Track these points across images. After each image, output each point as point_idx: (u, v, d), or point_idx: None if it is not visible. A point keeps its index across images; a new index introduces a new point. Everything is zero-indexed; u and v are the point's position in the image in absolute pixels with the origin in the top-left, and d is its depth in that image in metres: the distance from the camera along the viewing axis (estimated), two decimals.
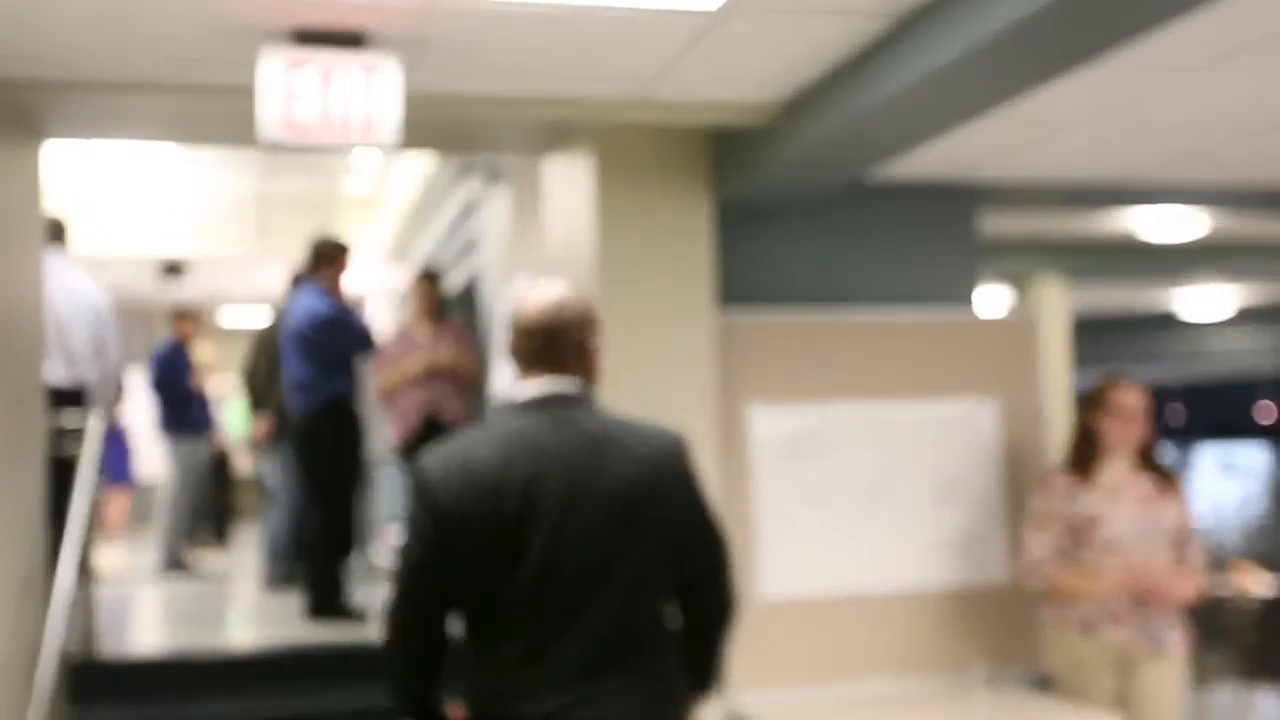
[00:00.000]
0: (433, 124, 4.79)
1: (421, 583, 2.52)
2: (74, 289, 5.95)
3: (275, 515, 7.90)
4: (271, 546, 7.92)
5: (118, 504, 14.59)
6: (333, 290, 6.46)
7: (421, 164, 10.62)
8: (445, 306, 7.40)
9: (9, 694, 4.32)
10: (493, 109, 4.35)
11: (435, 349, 7.02)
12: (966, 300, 5.29)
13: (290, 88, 3.41)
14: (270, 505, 8.15)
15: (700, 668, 2.71)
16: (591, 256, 4.67)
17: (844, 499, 4.89)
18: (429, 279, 7.42)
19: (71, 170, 11.88)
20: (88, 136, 5.29)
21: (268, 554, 7.96)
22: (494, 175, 7.85)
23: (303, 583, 6.49)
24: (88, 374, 5.90)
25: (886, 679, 4.80)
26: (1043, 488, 4.58)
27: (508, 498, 2.45)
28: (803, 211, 5.00)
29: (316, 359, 6.30)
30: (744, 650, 4.61)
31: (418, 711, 2.59)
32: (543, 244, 6.32)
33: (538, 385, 2.61)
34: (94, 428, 5.11)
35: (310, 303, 6.43)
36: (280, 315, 7.43)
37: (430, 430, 6.92)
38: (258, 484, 9.36)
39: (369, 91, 3.47)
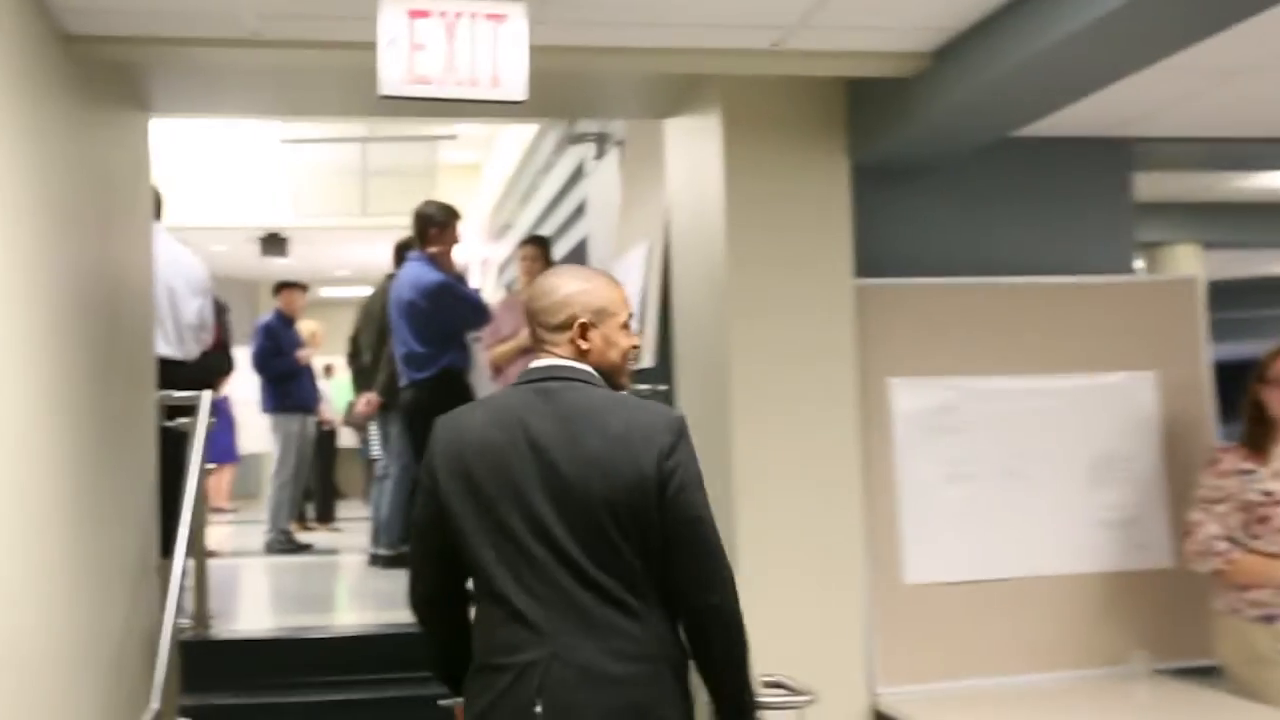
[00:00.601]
0: (554, 84, 4.54)
1: (426, 543, 2.68)
2: (175, 261, 5.81)
3: (383, 493, 7.74)
4: (379, 525, 7.77)
5: (221, 479, 14.66)
6: (442, 258, 6.23)
7: (527, 132, 10.44)
8: None
9: (127, 674, 4.18)
10: (618, 63, 4.08)
11: None
12: (1122, 268, 4.93)
13: (413, 37, 3.17)
14: (378, 482, 7.99)
15: (722, 700, 2.66)
16: (719, 223, 4.40)
17: (990, 477, 4.57)
18: (538, 243, 7.18)
19: (171, 141, 11.87)
20: (193, 112, 5.13)
21: (376, 532, 7.81)
22: (603, 141, 7.60)
23: None
24: (192, 347, 5.80)
25: (1038, 672, 4.47)
26: (1212, 465, 4.22)
27: (482, 465, 2.57)
28: (942, 171, 4.67)
29: (427, 330, 6.09)
30: (885, 640, 4.34)
31: (444, 677, 2.75)
32: (654, 212, 6.06)
33: (538, 362, 2.69)
34: (204, 403, 4.95)
35: (419, 272, 6.22)
36: (386, 287, 7.25)
37: None
38: (365, 461, 9.23)
39: (496, 42, 3.22)
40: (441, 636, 2.75)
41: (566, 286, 2.71)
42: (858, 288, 4.45)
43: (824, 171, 4.41)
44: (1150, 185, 6.40)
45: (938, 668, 4.40)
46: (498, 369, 6.96)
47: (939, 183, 4.72)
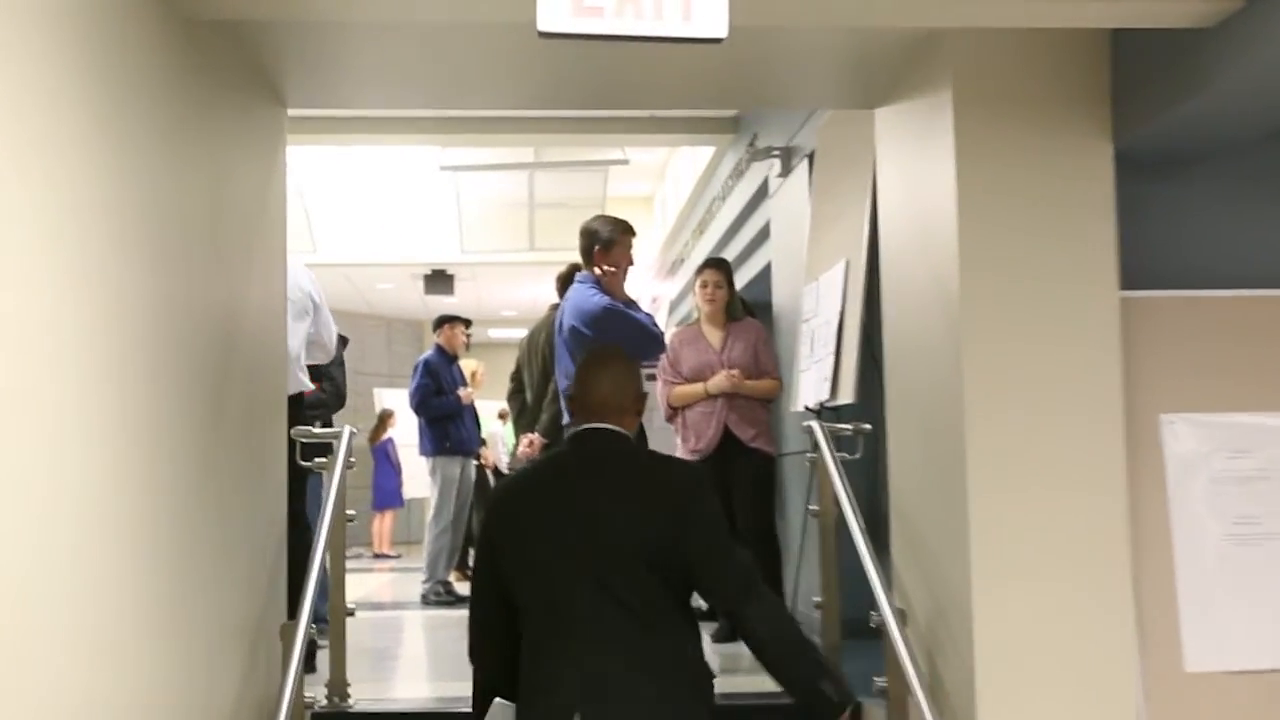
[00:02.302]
0: (747, 66, 3.84)
1: (482, 588, 3.09)
2: (293, 284, 5.26)
3: None
4: None
5: (384, 524, 14.27)
6: (611, 280, 5.43)
7: (702, 157, 9.78)
8: (736, 304, 6.39)
9: None
10: (826, 18, 3.33)
11: (729, 355, 6.07)
12: None
13: None
14: None
15: (797, 689, 3.01)
16: (949, 228, 3.60)
17: None
18: (720, 267, 6.43)
19: (331, 173, 11.54)
20: (333, 103, 4.54)
21: None
22: (789, 156, 6.86)
23: None
24: (300, 378, 5.20)
25: None
26: None
27: (534, 519, 3.00)
28: (1230, 158, 3.76)
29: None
30: None
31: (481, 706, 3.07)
32: (854, 225, 5.28)
33: (589, 425, 3.11)
34: (343, 441, 4.32)
35: (583, 296, 5.45)
36: (551, 318, 6.59)
37: (728, 448, 5.96)
38: None
39: None
40: (495, 683, 3.05)
41: (607, 376, 3.17)
42: (1124, 302, 3.59)
43: (1081, 161, 3.57)
44: None
45: None
46: (674, 410, 6.23)
47: (1225, 173, 3.81)
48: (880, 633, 3.80)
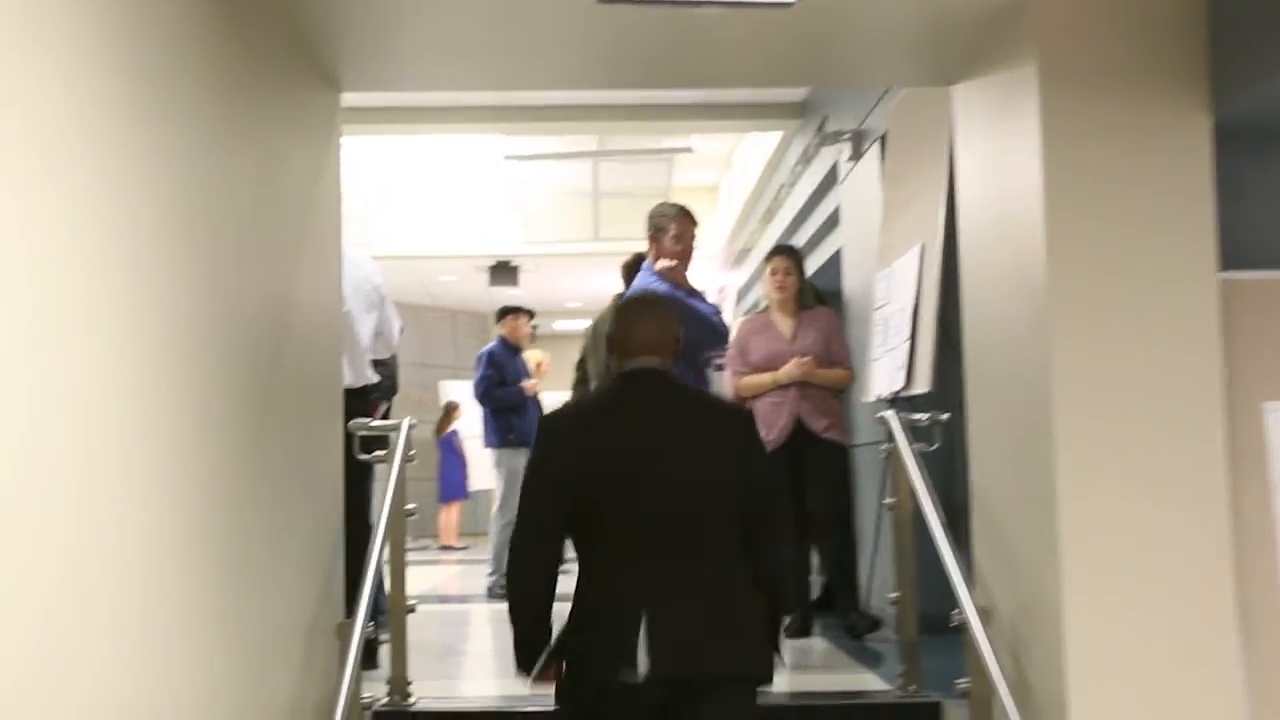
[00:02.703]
0: (819, 39, 3.67)
1: (534, 514, 3.07)
2: (347, 274, 5.16)
3: None
4: None
5: (450, 516, 14.23)
6: (671, 269, 5.28)
7: (769, 143, 9.59)
8: (807, 291, 6.21)
9: None
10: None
11: (800, 345, 5.89)
12: None
13: None
14: None
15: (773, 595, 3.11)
16: (1035, 208, 3.42)
17: None
18: (790, 254, 6.25)
19: (394, 164, 11.48)
20: (391, 85, 4.42)
21: None
22: (860, 140, 6.67)
23: None
24: (368, 372, 5.13)
25: None
26: None
27: (601, 449, 3.03)
28: None
29: None
30: None
31: (529, 653, 3.06)
32: (928, 209, 5.09)
33: (634, 363, 3.14)
34: (401, 433, 4.20)
35: (645, 283, 5.31)
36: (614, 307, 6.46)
37: (800, 439, 5.79)
38: None
39: None
40: (541, 606, 3.06)
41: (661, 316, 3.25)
42: (1223, 285, 3.39)
43: (1177, 136, 3.38)
44: None
45: None
46: (743, 401, 6.07)
47: None
48: (961, 631, 3.63)
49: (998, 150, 3.77)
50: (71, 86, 2.15)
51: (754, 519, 3.07)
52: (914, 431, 4.29)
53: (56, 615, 2.07)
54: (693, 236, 5.29)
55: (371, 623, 3.63)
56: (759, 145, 10.32)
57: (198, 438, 2.70)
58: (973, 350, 4.05)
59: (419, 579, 11.36)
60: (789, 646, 5.74)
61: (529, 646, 3.06)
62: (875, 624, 5.73)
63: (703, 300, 5.27)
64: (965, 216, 4.10)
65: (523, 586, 3.08)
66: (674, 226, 5.28)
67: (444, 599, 9.41)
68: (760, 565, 3.08)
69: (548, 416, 3.19)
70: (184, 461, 2.62)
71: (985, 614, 3.64)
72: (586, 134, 10.01)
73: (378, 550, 3.70)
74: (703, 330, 5.08)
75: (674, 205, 5.42)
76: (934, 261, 4.92)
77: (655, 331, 3.16)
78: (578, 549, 3.09)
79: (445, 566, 12.58)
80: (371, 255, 5.87)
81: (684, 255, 5.24)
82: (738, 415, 3.23)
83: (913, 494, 4.17)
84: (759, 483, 3.10)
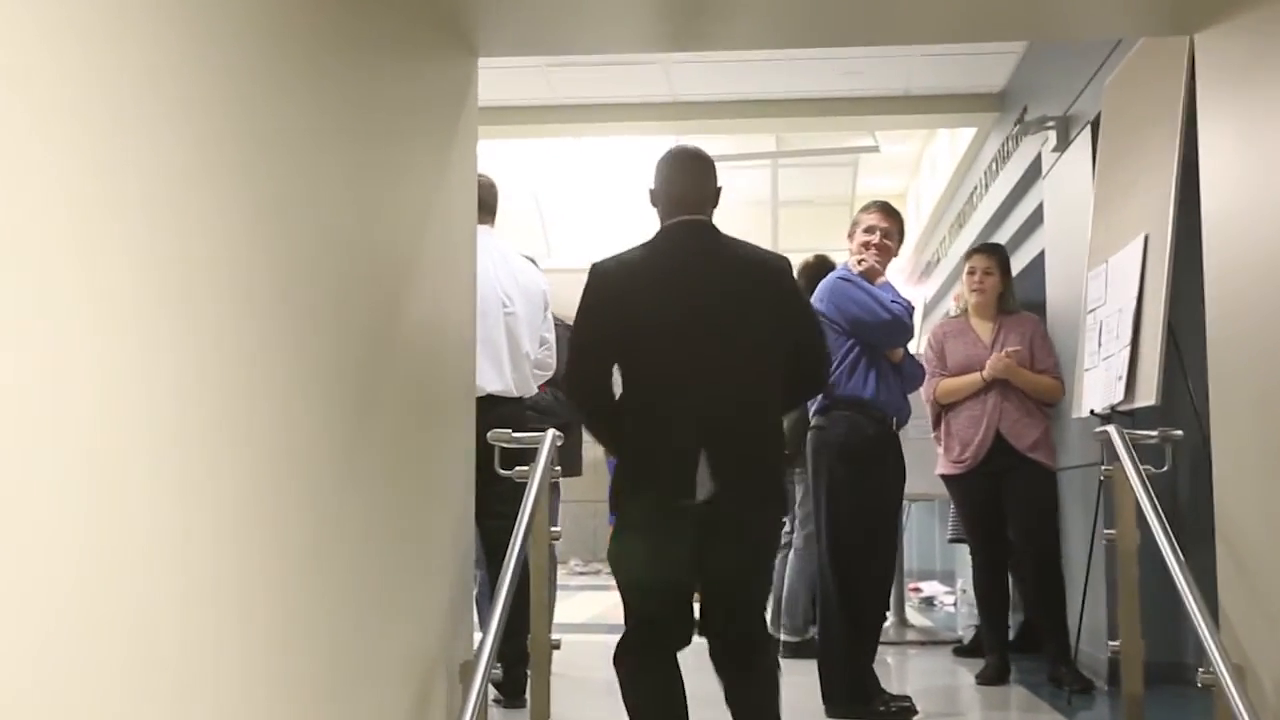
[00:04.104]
0: None
1: (586, 355, 3.36)
2: (512, 274, 4.74)
3: (789, 560, 6.34)
4: (778, 603, 6.36)
5: None
6: (866, 267, 4.70)
7: (961, 140, 8.89)
8: (1011, 293, 5.55)
9: None
10: None
11: (1003, 350, 5.25)
12: None
13: None
14: (783, 548, 6.59)
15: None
16: None
17: None
18: (993, 252, 5.61)
19: (564, 174, 11.11)
20: (531, 46, 3.95)
21: (775, 612, 6.40)
22: (1067, 126, 5.97)
23: (821, 657, 4.72)
24: (528, 382, 4.71)
25: None
26: None
27: (650, 289, 3.30)
28: None
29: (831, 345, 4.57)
30: None
31: (610, 434, 3.43)
32: (1155, 195, 4.40)
33: (681, 216, 3.39)
34: (545, 446, 3.71)
35: (828, 284, 4.78)
36: None
37: (1000, 458, 5.12)
38: None
39: None
40: (605, 408, 3.35)
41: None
42: None
43: None
44: None
45: None
46: (940, 408, 5.44)
47: None
48: (1207, 691, 2.98)
49: (1255, 112, 3.09)
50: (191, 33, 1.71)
51: (791, 359, 3.33)
52: (1138, 451, 3.64)
53: (132, 663, 1.65)
54: (886, 231, 4.71)
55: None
56: (950, 145, 9.62)
57: (286, 455, 2.24)
58: (1219, 353, 3.36)
59: (588, 604, 10.91)
60: (982, 692, 5.11)
61: (608, 439, 3.47)
62: (1088, 686, 5.01)
63: (891, 290, 4.67)
64: (1210, 194, 3.41)
65: (584, 404, 3.43)
66: (866, 218, 4.76)
67: (612, 628, 8.92)
68: (795, 402, 3.70)
69: (597, 264, 3.37)
70: (271, 479, 2.15)
71: (1240, 672, 2.96)
72: (764, 133, 9.44)
73: (509, 579, 3.20)
74: (874, 317, 4.54)
75: (876, 202, 4.89)
76: (1162, 253, 4.23)
77: (692, 186, 3.39)
78: (624, 387, 3.33)
79: (615, 593, 12.08)
80: (545, 268, 5.52)
81: (874, 248, 4.67)
82: (774, 261, 3.41)
83: (1138, 525, 3.54)
84: (795, 325, 3.36)
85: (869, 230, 4.68)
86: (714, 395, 3.20)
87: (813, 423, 4.68)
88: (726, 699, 3.32)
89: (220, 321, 2.00)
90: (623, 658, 3.37)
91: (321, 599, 2.40)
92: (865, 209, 4.81)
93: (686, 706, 3.27)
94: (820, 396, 4.52)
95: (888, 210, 4.78)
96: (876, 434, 4.53)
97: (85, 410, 1.63)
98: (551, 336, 4.96)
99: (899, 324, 4.57)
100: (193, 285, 1.91)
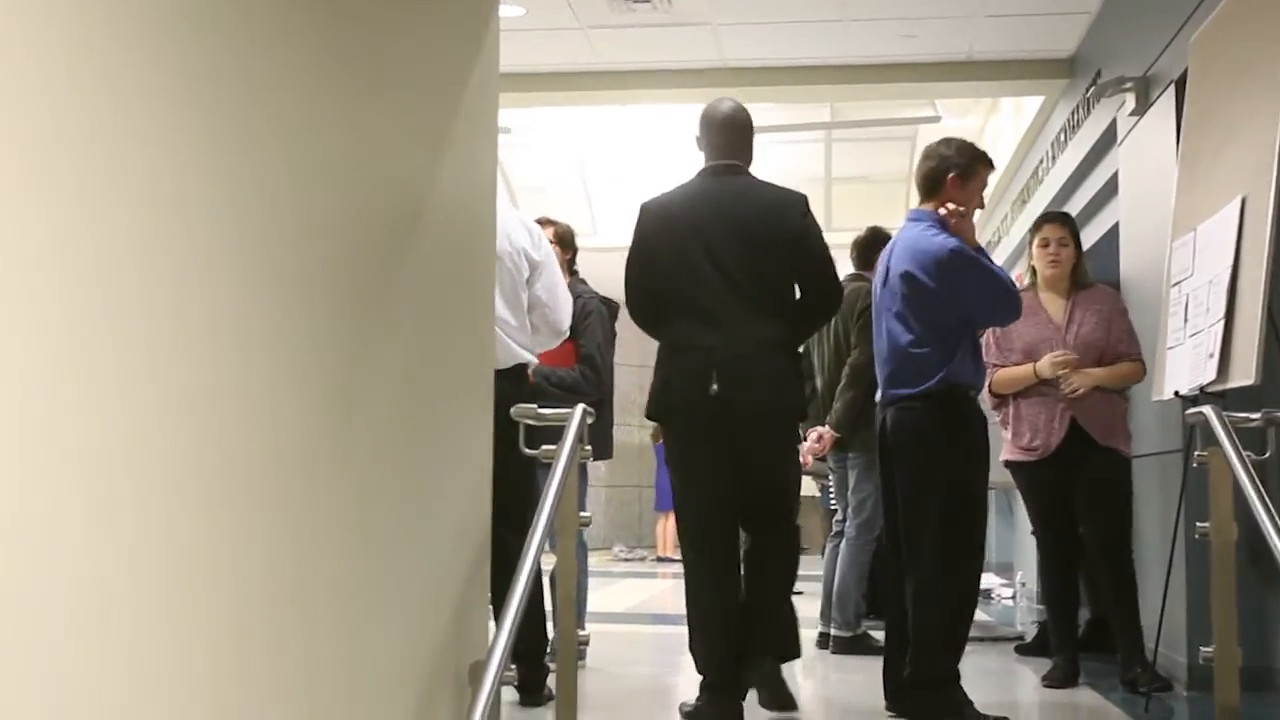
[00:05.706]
0: None
1: (637, 276, 4.07)
2: (514, 227, 4.31)
3: (840, 551, 5.95)
4: (829, 596, 5.98)
5: (668, 527, 13.43)
6: (959, 222, 4.15)
7: (1028, 114, 8.43)
8: (1086, 266, 5.12)
9: None
10: None
11: (1075, 331, 4.83)
12: None
13: None
14: (831, 541, 6.22)
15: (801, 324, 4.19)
16: None
17: None
18: (1062, 222, 5.17)
19: (612, 150, 10.75)
20: None
21: (826, 605, 6.02)
22: (1147, 87, 5.53)
23: (889, 653, 4.23)
24: (507, 346, 4.21)
25: None
26: None
27: (679, 224, 3.98)
28: None
29: (927, 319, 4.06)
30: None
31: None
32: (1251, 155, 3.98)
33: (715, 161, 4.09)
34: (574, 423, 3.36)
35: (922, 235, 4.13)
36: (850, 290, 5.48)
37: (1075, 447, 4.71)
38: (825, 511, 7.46)
39: None
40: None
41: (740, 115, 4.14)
42: None
43: None
44: None
45: None
46: (1000, 400, 5.02)
47: None
48: None
49: None
50: None
51: (805, 282, 4.03)
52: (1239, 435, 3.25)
53: (132, 662, 1.48)
54: (985, 186, 4.24)
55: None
56: (1015, 117, 9.17)
57: (286, 431, 1.91)
58: None
59: (631, 592, 10.59)
60: (1050, 695, 4.71)
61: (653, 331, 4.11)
62: (1165, 685, 4.59)
63: (992, 262, 4.21)
64: None
65: (649, 332, 4.08)
66: (971, 168, 4.20)
67: (657, 618, 8.59)
68: (808, 325, 4.26)
69: (645, 202, 4.07)
70: (268, 474, 1.83)
71: None
72: (819, 102, 9.02)
73: (528, 570, 2.85)
74: (997, 296, 4.05)
75: (968, 144, 4.30)
76: (1262, 216, 3.80)
77: (732, 136, 4.08)
78: (663, 309, 4.00)
79: (661, 580, 11.78)
80: (589, 247, 5.04)
81: (972, 206, 4.19)
82: (794, 199, 4.04)
83: (1236, 517, 3.16)
84: (810, 255, 4.01)
85: (980, 193, 4.19)
86: (731, 311, 3.87)
87: (892, 400, 4.19)
88: (746, 558, 4.03)
89: (213, 306, 1.68)
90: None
91: (304, 595, 2.07)
92: (982, 160, 4.23)
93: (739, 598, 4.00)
94: (910, 379, 4.07)
95: (985, 158, 4.27)
96: (972, 422, 4.10)
97: (69, 398, 1.48)
98: (550, 296, 4.44)
99: (1016, 301, 4.17)
100: (186, 262, 1.67)
